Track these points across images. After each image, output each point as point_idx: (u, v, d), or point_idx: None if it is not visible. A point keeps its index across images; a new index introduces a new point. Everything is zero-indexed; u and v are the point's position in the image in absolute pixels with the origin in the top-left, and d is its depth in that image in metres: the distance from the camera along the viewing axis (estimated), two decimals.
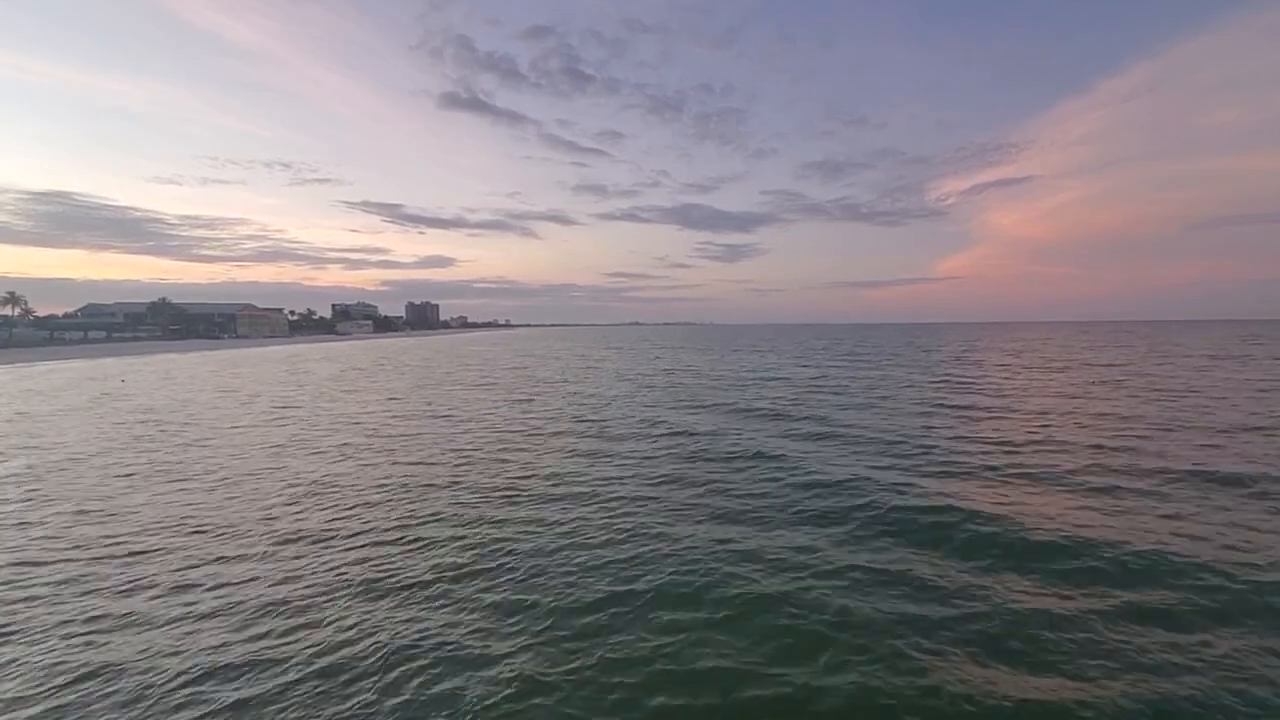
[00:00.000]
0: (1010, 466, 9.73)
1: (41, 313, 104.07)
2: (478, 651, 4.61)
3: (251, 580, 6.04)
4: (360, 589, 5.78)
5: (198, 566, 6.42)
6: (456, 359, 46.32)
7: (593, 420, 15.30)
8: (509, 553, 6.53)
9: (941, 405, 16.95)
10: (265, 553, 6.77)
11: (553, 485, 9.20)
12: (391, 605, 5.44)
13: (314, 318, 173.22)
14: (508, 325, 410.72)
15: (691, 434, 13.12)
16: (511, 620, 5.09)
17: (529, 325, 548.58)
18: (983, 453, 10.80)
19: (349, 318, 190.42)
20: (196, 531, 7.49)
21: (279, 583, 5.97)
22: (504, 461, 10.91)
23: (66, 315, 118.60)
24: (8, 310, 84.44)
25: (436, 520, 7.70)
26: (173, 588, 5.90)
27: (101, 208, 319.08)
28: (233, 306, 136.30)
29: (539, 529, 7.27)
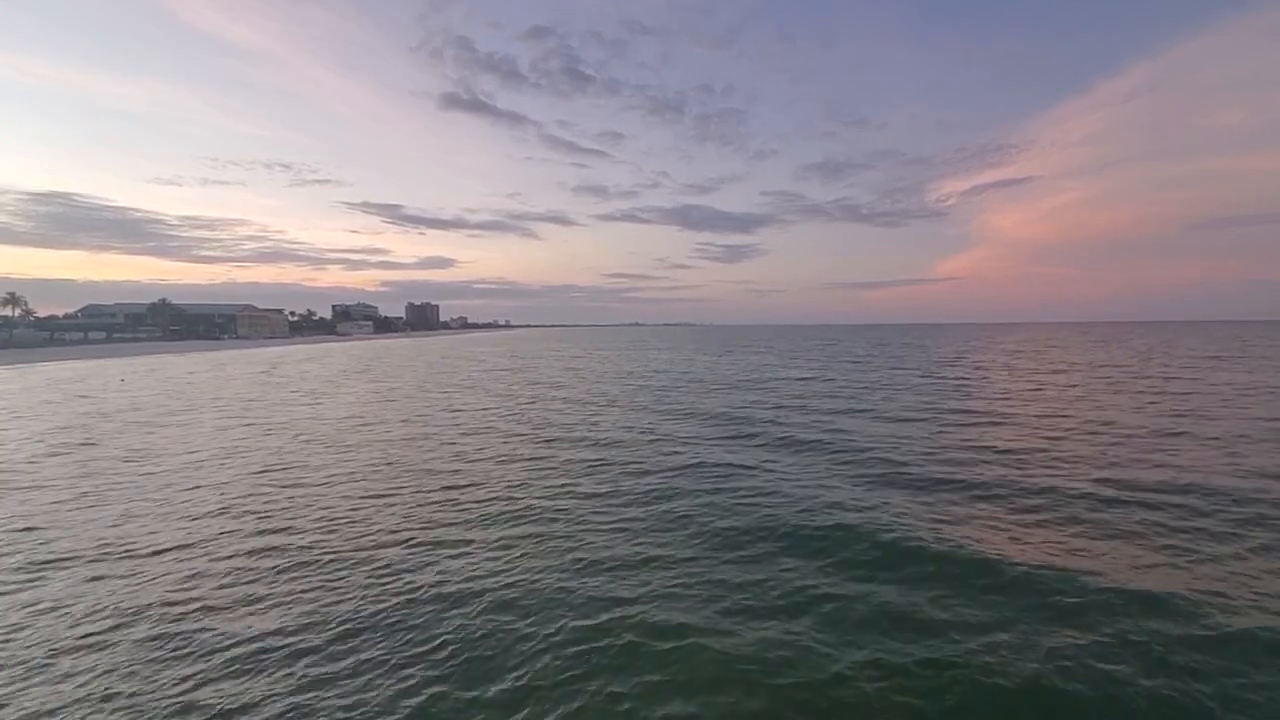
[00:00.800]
0: (1009, 483, 9.07)
1: (42, 313, 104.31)
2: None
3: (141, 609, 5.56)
4: (260, 628, 5.17)
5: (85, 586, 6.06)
6: (451, 360, 46.20)
7: (577, 429, 14.85)
8: (455, 585, 5.91)
9: (937, 411, 16.75)
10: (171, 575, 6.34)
11: (521, 506, 8.42)
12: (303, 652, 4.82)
13: (314, 318, 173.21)
14: (508, 326, 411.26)
15: (681, 444, 12.69)
16: (458, 675, 4.51)
17: (529, 326, 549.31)
18: (981, 463, 10.43)
19: (349, 318, 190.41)
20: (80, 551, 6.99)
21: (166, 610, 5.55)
22: (473, 475, 10.26)
23: (67, 316, 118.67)
24: (8, 311, 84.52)
25: (373, 544, 7.09)
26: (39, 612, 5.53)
27: (101, 208, 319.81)
28: (233, 307, 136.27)
29: (493, 556, 6.65)
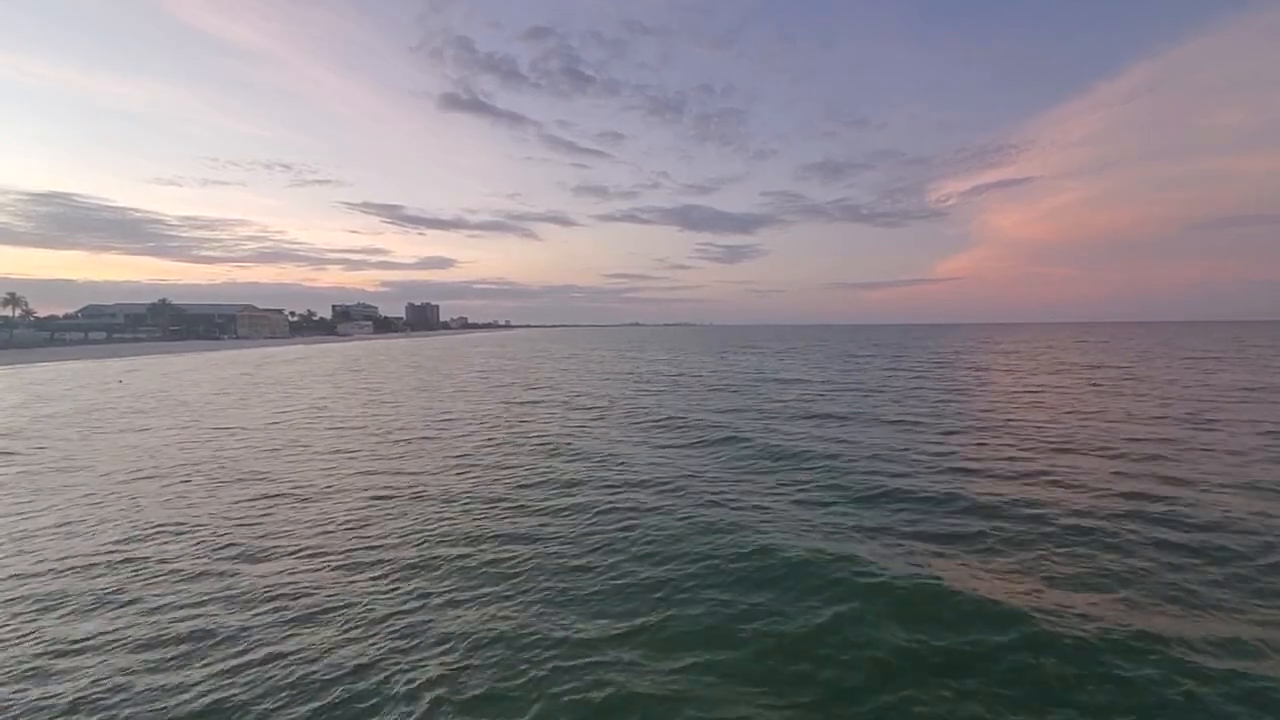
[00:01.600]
0: (1006, 507, 8.19)
1: (42, 314, 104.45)
2: None
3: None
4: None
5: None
6: (445, 361, 46.15)
7: (562, 436, 14.50)
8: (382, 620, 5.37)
9: (935, 417, 16.60)
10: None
11: (481, 528, 7.70)
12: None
13: (314, 319, 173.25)
14: (508, 326, 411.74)
15: (670, 456, 12.35)
16: None
17: (529, 326, 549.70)
18: (980, 482, 9.94)
19: (349, 319, 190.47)
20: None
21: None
22: (432, 489, 9.67)
23: (67, 316, 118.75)
24: (8, 311, 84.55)
25: (293, 566, 6.61)
26: None
27: (101, 209, 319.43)
28: (233, 307, 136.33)
29: (436, 586, 6.02)
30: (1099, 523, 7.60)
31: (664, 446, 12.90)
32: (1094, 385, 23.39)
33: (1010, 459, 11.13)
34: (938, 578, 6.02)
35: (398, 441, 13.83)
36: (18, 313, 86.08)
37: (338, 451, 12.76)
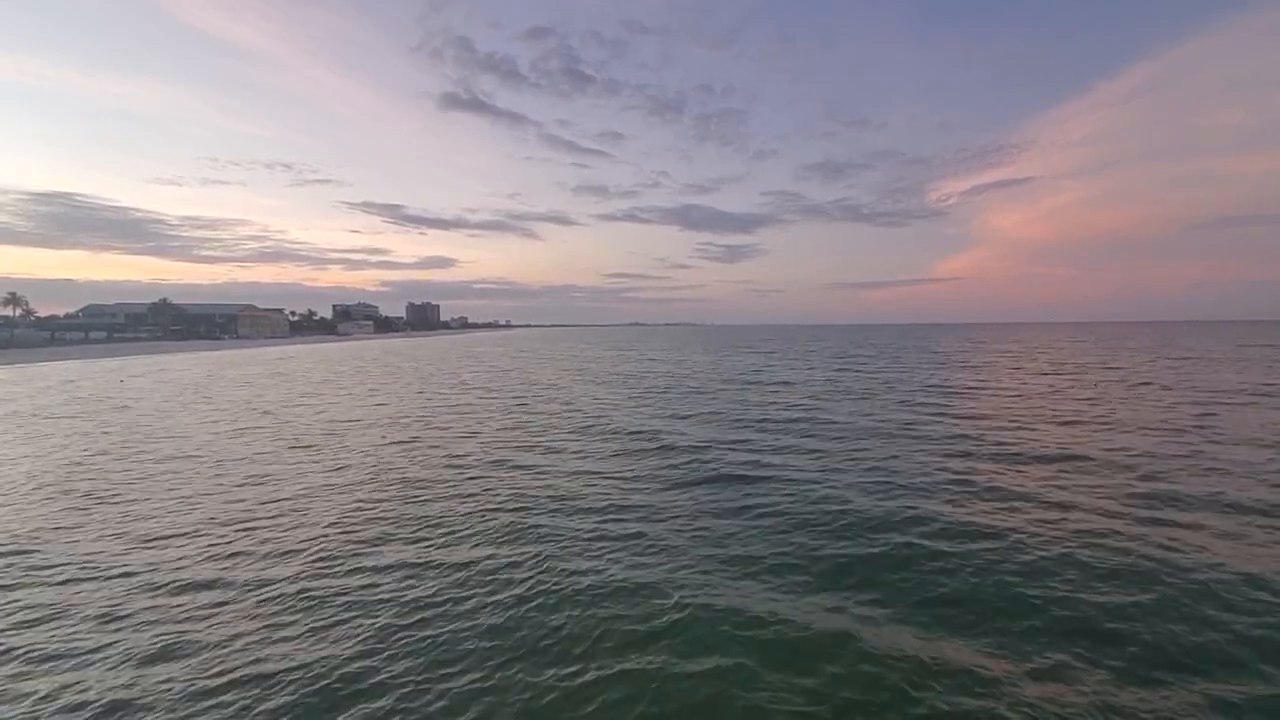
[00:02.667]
0: (996, 534, 7.31)
1: (43, 313, 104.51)
2: None
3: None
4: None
5: None
6: (440, 362, 46.16)
7: (535, 444, 14.36)
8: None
9: (927, 422, 16.51)
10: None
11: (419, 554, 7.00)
12: None
13: (315, 318, 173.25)
14: (508, 326, 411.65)
15: (652, 477, 11.72)
16: None
17: (529, 325, 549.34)
18: (974, 500, 9.18)
19: (350, 318, 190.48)
20: None
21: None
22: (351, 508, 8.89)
23: (68, 316, 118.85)
24: (9, 311, 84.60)
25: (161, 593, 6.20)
26: None
27: (102, 208, 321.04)
28: (234, 307, 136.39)
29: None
30: (1090, 552, 6.80)
31: (623, 455, 12.36)
32: (1092, 387, 23.35)
33: (1005, 473, 10.53)
34: (914, 634, 5.23)
35: (334, 451, 13.05)
36: (18, 312, 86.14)
37: (248, 461, 12.12)
